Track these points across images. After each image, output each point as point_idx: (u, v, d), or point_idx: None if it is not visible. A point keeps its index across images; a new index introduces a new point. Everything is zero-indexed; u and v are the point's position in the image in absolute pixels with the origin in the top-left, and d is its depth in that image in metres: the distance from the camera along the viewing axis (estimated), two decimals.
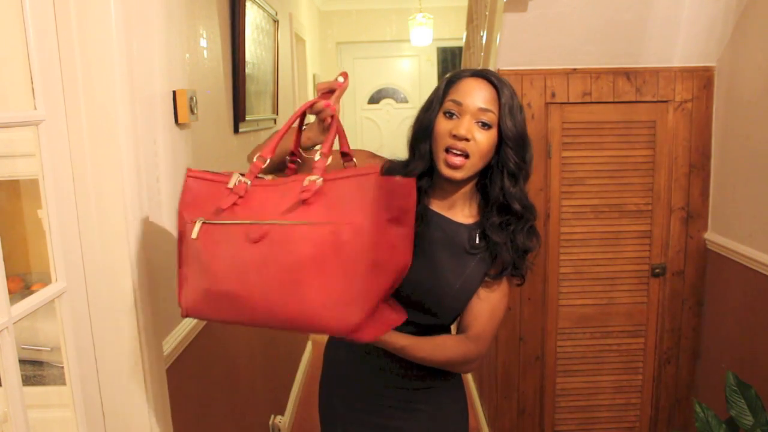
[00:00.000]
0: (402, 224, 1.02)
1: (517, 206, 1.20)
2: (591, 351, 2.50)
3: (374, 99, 5.91)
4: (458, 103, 1.17)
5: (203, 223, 1.06)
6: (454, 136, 1.16)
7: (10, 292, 0.97)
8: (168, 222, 1.43)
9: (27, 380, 1.32)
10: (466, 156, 1.17)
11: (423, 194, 1.25)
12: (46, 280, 1.14)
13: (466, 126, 1.16)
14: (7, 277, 0.96)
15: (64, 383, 1.17)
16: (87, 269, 1.20)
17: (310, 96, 4.59)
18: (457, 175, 1.18)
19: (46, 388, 1.38)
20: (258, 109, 2.46)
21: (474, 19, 3.05)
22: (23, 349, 1.31)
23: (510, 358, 2.52)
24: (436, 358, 1.22)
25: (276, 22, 2.80)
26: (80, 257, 1.19)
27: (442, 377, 1.32)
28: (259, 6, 2.41)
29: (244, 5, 2.09)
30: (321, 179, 1.02)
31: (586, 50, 2.26)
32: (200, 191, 1.10)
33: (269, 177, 1.14)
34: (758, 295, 2.07)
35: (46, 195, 1.10)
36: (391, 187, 1.00)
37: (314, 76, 4.84)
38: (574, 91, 2.32)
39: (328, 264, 0.97)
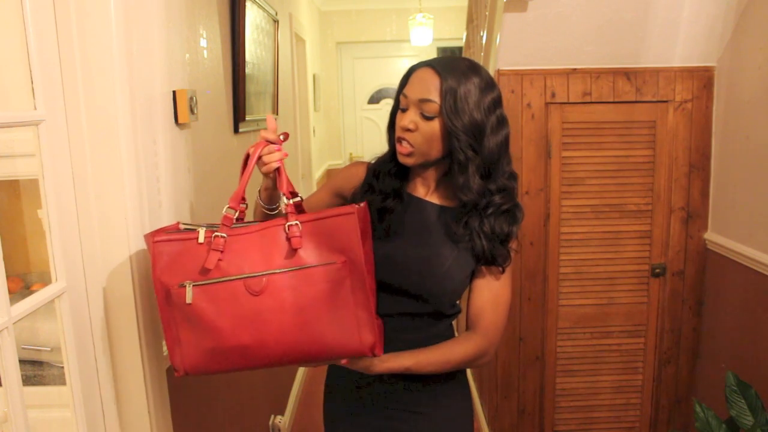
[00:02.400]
0: (368, 238, 1.14)
1: (464, 197, 1.20)
2: (591, 351, 2.50)
3: (374, 99, 5.91)
4: (405, 96, 1.21)
5: (194, 285, 1.04)
6: (401, 128, 1.21)
7: (10, 292, 0.97)
8: (168, 222, 1.43)
9: (27, 380, 1.32)
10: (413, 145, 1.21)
11: (396, 174, 1.29)
12: (46, 280, 1.14)
13: (409, 117, 1.20)
14: (7, 277, 0.96)
15: (64, 383, 1.17)
16: (87, 269, 1.19)
17: (311, 96, 4.59)
18: (408, 161, 1.23)
19: (46, 388, 1.38)
20: (258, 109, 2.46)
21: (474, 19, 3.05)
22: (23, 349, 1.31)
23: (510, 358, 2.52)
24: (446, 366, 1.22)
25: (276, 22, 2.80)
26: (80, 257, 1.19)
27: (448, 379, 1.32)
28: (259, 6, 2.41)
29: (244, 5, 2.09)
30: (299, 223, 1.07)
31: (586, 50, 2.26)
32: (173, 253, 1.06)
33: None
34: (758, 295, 2.07)
35: (46, 195, 1.09)
36: (364, 215, 1.12)
37: (314, 76, 4.84)
38: (574, 91, 2.32)
39: (333, 299, 1.06)
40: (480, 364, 1.28)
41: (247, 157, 1.13)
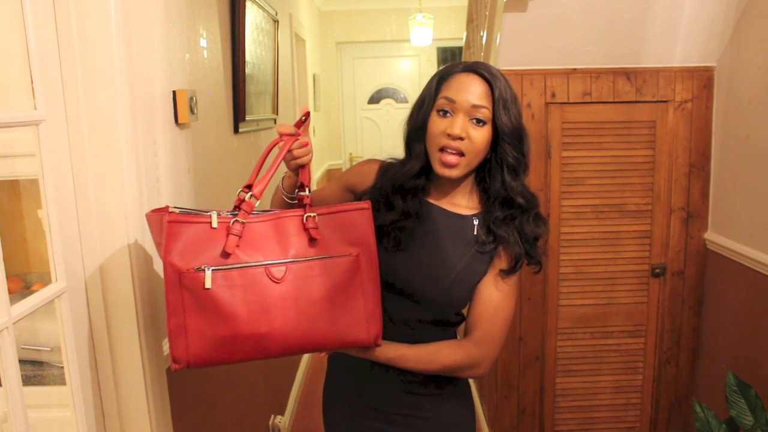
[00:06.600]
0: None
1: (520, 200, 1.20)
2: (591, 351, 2.50)
3: (374, 99, 5.91)
4: (451, 101, 1.15)
5: (213, 270, 0.99)
6: (449, 135, 1.14)
7: (10, 292, 0.97)
8: None
9: (27, 380, 1.32)
10: (462, 154, 1.16)
11: (421, 191, 1.25)
12: (46, 280, 1.14)
13: (460, 125, 1.14)
14: (7, 277, 0.96)
15: (64, 383, 1.17)
16: (87, 269, 1.20)
17: (311, 96, 4.59)
18: (453, 173, 1.17)
19: (46, 388, 1.38)
20: (258, 109, 2.46)
21: (474, 19, 3.05)
22: (23, 349, 1.31)
23: (510, 358, 2.52)
24: (429, 366, 1.21)
25: (276, 22, 2.80)
26: (80, 257, 1.19)
27: (449, 384, 1.31)
28: (259, 6, 2.41)
29: (244, 5, 2.09)
30: (317, 215, 1.10)
31: (586, 50, 2.26)
32: (186, 235, 1.00)
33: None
34: (758, 295, 2.07)
35: (46, 195, 1.09)
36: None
37: (314, 76, 4.84)
38: (574, 91, 2.32)
39: (346, 290, 1.09)
40: (472, 374, 1.26)
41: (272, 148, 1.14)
